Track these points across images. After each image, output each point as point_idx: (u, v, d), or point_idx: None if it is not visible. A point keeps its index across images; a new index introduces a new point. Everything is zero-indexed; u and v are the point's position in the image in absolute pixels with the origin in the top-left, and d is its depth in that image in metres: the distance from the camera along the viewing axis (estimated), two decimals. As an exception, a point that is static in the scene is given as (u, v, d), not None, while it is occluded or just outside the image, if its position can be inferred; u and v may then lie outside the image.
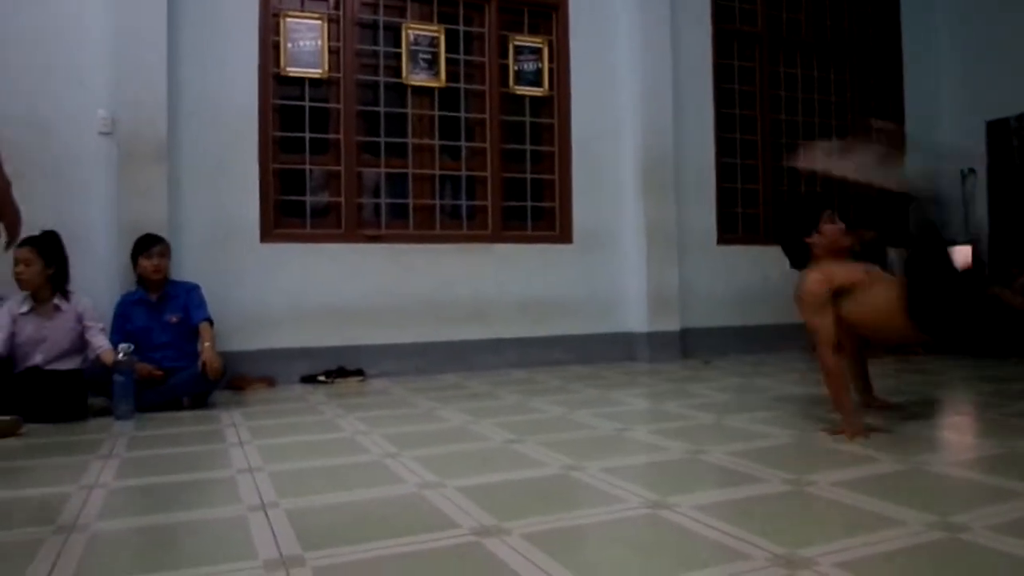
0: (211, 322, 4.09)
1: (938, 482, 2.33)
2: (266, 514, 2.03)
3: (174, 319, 4.09)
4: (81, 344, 3.87)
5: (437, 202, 5.40)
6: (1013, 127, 6.66)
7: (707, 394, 4.06)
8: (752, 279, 6.18)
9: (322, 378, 4.74)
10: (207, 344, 3.95)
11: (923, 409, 3.61)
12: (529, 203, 5.68)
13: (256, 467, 2.59)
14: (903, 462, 2.49)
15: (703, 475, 2.44)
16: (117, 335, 3.95)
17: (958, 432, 3.22)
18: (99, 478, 2.48)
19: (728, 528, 1.85)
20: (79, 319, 3.85)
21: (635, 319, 5.77)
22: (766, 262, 6.25)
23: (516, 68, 5.61)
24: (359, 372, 4.86)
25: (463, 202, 5.50)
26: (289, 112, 5.02)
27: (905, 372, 4.74)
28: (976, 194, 6.82)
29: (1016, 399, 3.71)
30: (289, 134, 5.01)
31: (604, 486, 2.27)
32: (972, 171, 6.81)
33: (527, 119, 5.69)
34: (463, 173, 5.50)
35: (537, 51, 5.68)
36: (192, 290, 4.19)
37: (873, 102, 7.04)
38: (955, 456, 2.71)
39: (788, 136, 6.62)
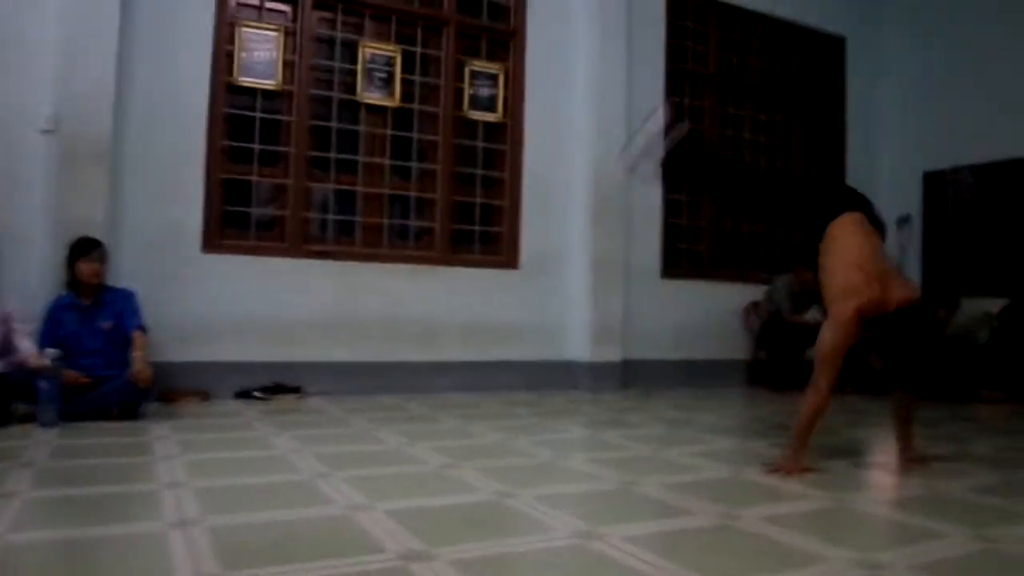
0: (144, 330, 3.99)
1: (863, 520, 2.38)
2: (187, 531, 1.97)
3: (106, 325, 3.97)
4: (6, 347, 3.72)
5: (385, 221, 5.37)
6: (949, 178, 6.92)
7: (646, 425, 4.08)
8: (694, 313, 6.28)
9: (258, 394, 4.64)
10: (138, 353, 3.84)
11: (857, 448, 3.70)
12: (478, 227, 5.68)
13: (182, 482, 2.51)
14: (831, 499, 2.53)
15: (635, 506, 2.45)
16: (46, 339, 3.82)
17: (887, 472, 3.29)
18: (15, 487, 2.38)
19: (656, 560, 1.85)
20: (5, 320, 3.72)
21: (578, 348, 5.79)
22: (709, 297, 6.38)
23: (471, 93, 5.63)
24: (296, 389, 4.77)
25: (411, 223, 5.48)
26: (239, 122, 4.95)
27: (839, 413, 4.81)
28: (911, 242, 7.05)
29: (941, 440, 3.82)
30: (238, 144, 4.93)
31: (536, 514, 2.26)
32: (907, 219, 7.05)
33: (480, 144, 5.71)
34: (413, 194, 5.48)
35: (493, 77, 5.71)
36: (128, 297, 4.08)
37: (817, 146, 7.25)
38: (882, 495, 2.77)
39: (735, 175, 6.76)
